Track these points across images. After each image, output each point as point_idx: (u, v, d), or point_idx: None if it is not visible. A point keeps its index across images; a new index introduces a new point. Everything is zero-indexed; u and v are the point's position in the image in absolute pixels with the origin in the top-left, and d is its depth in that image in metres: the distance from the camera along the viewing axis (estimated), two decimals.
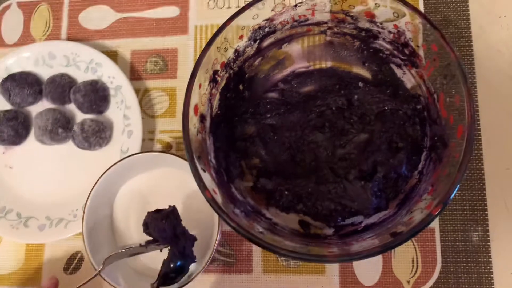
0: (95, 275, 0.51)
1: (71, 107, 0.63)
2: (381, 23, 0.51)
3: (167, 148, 0.62)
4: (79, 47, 0.62)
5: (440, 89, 0.48)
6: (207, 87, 0.50)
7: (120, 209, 0.57)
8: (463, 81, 0.43)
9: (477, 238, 0.54)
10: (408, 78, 0.55)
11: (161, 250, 0.51)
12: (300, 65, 0.59)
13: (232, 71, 0.54)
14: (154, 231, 0.50)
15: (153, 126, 0.62)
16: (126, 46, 0.65)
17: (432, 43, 0.47)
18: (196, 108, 0.48)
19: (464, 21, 0.61)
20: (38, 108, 0.63)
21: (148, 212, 0.50)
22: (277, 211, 0.55)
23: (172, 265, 0.50)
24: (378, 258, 0.55)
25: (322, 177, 0.52)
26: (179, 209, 0.52)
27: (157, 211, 0.50)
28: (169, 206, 0.51)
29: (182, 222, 0.51)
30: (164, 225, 0.49)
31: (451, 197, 0.41)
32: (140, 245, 0.51)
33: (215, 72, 0.51)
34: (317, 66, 0.59)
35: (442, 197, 0.42)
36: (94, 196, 0.53)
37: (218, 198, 0.46)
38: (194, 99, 0.48)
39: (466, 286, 0.53)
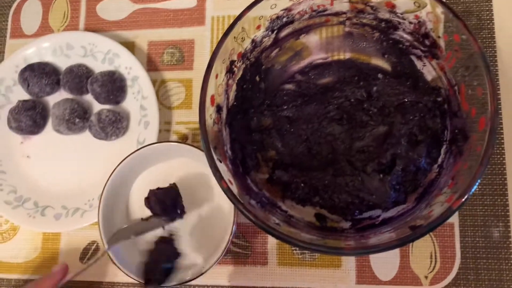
0: (103, 254, 0.51)
1: (88, 97, 0.63)
2: (401, 14, 0.50)
3: (183, 139, 0.62)
4: (97, 37, 0.63)
5: (461, 81, 0.47)
6: (223, 78, 0.50)
7: (136, 199, 0.57)
8: (486, 72, 0.42)
9: (498, 234, 0.53)
10: (428, 70, 0.53)
11: (163, 228, 0.52)
12: (317, 57, 0.58)
13: (249, 62, 0.54)
14: (155, 203, 0.51)
15: (169, 117, 0.62)
16: (143, 37, 0.65)
17: (454, 34, 0.46)
18: (212, 99, 0.48)
19: (487, 12, 0.59)
20: (56, 98, 0.64)
21: (150, 190, 0.51)
22: (292, 204, 0.54)
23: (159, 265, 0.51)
24: (396, 253, 0.54)
25: (340, 170, 0.51)
26: (195, 200, 0.52)
27: (159, 188, 0.52)
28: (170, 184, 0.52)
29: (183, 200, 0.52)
30: (164, 197, 0.51)
31: (472, 191, 0.40)
32: (142, 219, 0.52)
33: (232, 63, 0.51)
34: (335, 58, 0.58)
35: (463, 190, 0.41)
36: (110, 186, 0.53)
37: (234, 188, 0.46)
38: (211, 90, 0.47)
39: (486, 282, 0.52)
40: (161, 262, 0.51)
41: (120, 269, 0.51)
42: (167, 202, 0.51)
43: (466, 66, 0.46)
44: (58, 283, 0.53)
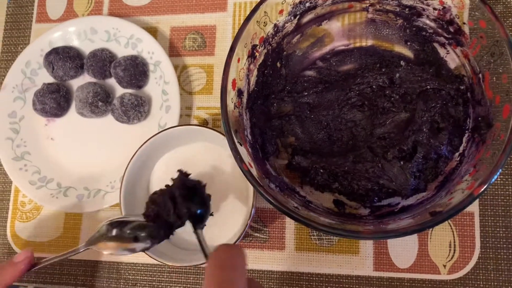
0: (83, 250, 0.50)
1: (111, 81, 0.64)
2: (426, 0, 0.50)
3: (203, 124, 0.62)
4: (120, 22, 0.63)
5: (486, 68, 0.47)
6: (245, 62, 0.50)
7: (157, 182, 0.58)
8: None
9: None
10: (451, 58, 0.53)
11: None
12: (339, 43, 0.58)
13: (270, 47, 0.54)
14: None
15: (190, 102, 0.63)
16: (165, 22, 0.66)
17: (479, 20, 0.46)
18: (234, 82, 0.48)
19: None
20: (79, 81, 0.65)
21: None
22: (311, 189, 0.54)
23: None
24: (414, 241, 0.54)
25: (360, 156, 0.51)
26: (214, 183, 0.52)
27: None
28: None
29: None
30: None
31: (494, 178, 0.40)
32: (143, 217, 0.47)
33: (254, 47, 0.51)
34: (357, 45, 0.58)
35: (484, 177, 0.41)
36: (132, 168, 0.54)
37: (254, 171, 0.46)
38: (233, 73, 0.48)
39: (506, 273, 0.52)
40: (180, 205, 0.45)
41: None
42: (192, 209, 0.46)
43: (491, 53, 0.45)
44: (21, 275, 0.48)
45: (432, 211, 0.43)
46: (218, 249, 0.34)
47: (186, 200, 0.46)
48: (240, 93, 0.50)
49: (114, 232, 0.47)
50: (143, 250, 0.48)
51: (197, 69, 0.64)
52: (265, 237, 0.58)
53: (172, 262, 0.52)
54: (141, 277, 0.59)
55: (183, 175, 0.46)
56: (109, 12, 0.68)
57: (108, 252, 0.48)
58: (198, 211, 0.47)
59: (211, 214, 0.48)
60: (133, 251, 0.47)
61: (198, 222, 0.47)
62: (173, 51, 0.65)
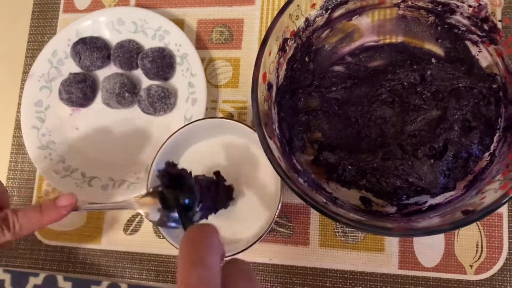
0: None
1: (138, 72, 0.64)
2: None
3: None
4: (148, 14, 0.63)
5: None
6: (276, 56, 0.50)
7: None
8: None
9: None
10: (483, 56, 0.52)
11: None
12: (369, 39, 0.58)
13: (300, 41, 0.54)
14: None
15: (216, 96, 0.63)
16: (193, 14, 0.66)
17: None
18: (264, 76, 0.48)
19: None
20: (106, 72, 0.65)
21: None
22: (337, 186, 0.54)
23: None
24: (440, 240, 0.54)
25: (389, 153, 0.51)
26: (241, 177, 0.52)
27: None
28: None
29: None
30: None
31: None
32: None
33: (285, 41, 0.51)
34: (387, 41, 0.57)
35: None
36: (159, 160, 0.54)
37: (283, 165, 0.46)
38: (264, 66, 0.47)
39: None
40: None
41: (167, 240, 0.52)
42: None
43: None
44: (61, 219, 0.48)
45: (464, 210, 0.43)
46: (192, 227, 0.34)
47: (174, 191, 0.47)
48: (270, 86, 0.50)
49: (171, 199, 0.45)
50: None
51: (224, 62, 0.63)
52: (289, 232, 0.57)
53: None
54: (164, 268, 0.60)
55: (169, 165, 0.46)
56: (137, 3, 0.68)
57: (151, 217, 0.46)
58: (186, 201, 0.47)
59: (231, 200, 0.51)
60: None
61: (187, 212, 0.47)
62: (199, 44, 0.65)
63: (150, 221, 0.47)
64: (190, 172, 0.47)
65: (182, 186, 0.47)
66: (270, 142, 0.46)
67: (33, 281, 0.78)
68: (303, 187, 0.45)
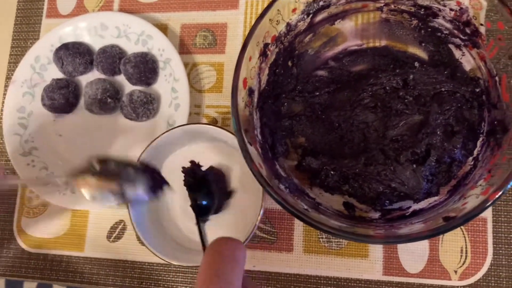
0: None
1: (121, 78, 0.64)
2: (442, 0, 0.49)
3: (212, 123, 0.61)
4: (131, 18, 0.63)
5: (503, 71, 0.46)
6: (257, 61, 0.50)
7: None
8: None
9: None
10: (467, 60, 0.52)
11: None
12: (352, 43, 0.57)
13: (282, 46, 0.53)
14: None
15: (199, 101, 0.62)
16: (176, 19, 0.65)
17: (498, 21, 0.44)
18: (245, 81, 0.48)
19: None
20: (89, 78, 0.64)
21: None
22: (320, 191, 0.54)
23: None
24: (425, 246, 0.53)
25: (372, 158, 0.50)
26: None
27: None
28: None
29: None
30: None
31: (511, 184, 0.39)
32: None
33: (266, 46, 0.50)
34: (371, 45, 0.57)
35: (500, 183, 0.40)
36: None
37: (264, 172, 0.45)
38: (244, 72, 0.47)
39: None
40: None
41: (146, 246, 0.51)
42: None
43: (510, 55, 0.44)
44: None
45: (445, 216, 0.42)
46: (218, 240, 0.33)
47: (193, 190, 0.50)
48: (251, 92, 0.50)
49: (98, 167, 0.43)
50: (128, 202, 0.44)
51: (207, 67, 0.63)
52: (273, 238, 0.57)
53: (178, 261, 0.51)
54: (147, 276, 0.59)
55: (195, 165, 0.50)
56: (120, 8, 0.67)
57: (88, 194, 0.43)
58: (204, 203, 0.47)
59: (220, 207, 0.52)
60: (116, 198, 0.43)
61: (203, 214, 0.48)
62: (183, 49, 0.64)
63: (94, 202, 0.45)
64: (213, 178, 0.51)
65: (202, 187, 0.50)
66: (250, 148, 0.45)
67: (27, 285, 0.77)
68: (284, 194, 0.45)
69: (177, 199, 0.57)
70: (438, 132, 0.49)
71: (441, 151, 0.49)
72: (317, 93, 0.56)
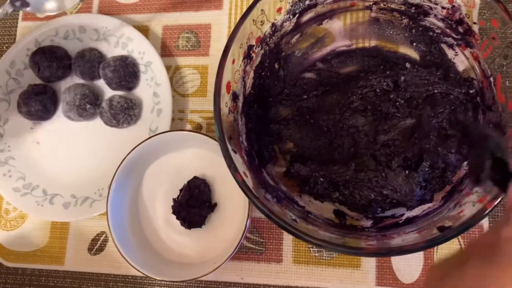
0: None
1: (100, 83, 0.61)
2: None
3: (197, 129, 0.59)
4: (110, 21, 0.60)
5: (498, 71, 0.44)
6: (240, 64, 0.47)
7: (147, 190, 0.55)
8: None
9: None
10: (460, 60, 0.50)
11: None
12: (341, 44, 0.55)
13: (267, 48, 0.51)
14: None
15: (183, 105, 0.60)
16: (157, 21, 0.62)
17: (491, 19, 0.42)
18: (228, 85, 0.45)
19: None
20: (67, 83, 0.62)
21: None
22: (310, 199, 0.51)
23: None
24: (419, 255, 0.51)
25: (362, 164, 0.48)
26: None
27: None
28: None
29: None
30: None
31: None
32: None
33: (250, 48, 0.48)
34: (360, 45, 0.55)
35: (498, 191, 0.38)
36: (120, 175, 0.51)
37: (249, 181, 0.43)
38: (227, 75, 0.45)
39: None
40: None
41: (127, 261, 0.49)
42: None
43: (505, 55, 0.42)
44: None
45: (440, 225, 0.40)
46: None
47: None
48: (235, 96, 0.47)
49: None
50: None
51: (191, 70, 0.60)
52: (261, 248, 0.54)
53: (161, 276, 0.49)
54: None
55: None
56: (99, 10, 0.65)
57: None
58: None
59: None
60: None
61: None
62: (165, 51, 0.61)
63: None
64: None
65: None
66: (235, 157, 0.43)
67: None
68: (270, 205, 0.42)
69: (160, 209, 0.54)
70: (431, 136, 0.47)
71: (435, 156, 0.47)
72: (305, 96, 0.54)
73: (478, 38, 0.45)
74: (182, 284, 0.55)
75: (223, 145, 0.42)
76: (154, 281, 0.56)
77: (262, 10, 0.46)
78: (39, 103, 0.59)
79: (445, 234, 0.38)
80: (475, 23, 0.45)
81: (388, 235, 0.45)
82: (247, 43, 0.47)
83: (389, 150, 0.48)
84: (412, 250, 0.38)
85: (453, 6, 0.45)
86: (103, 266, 0.58)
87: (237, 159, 0.43)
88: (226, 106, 0.45)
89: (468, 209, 0.40)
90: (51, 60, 0.59)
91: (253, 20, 0.46)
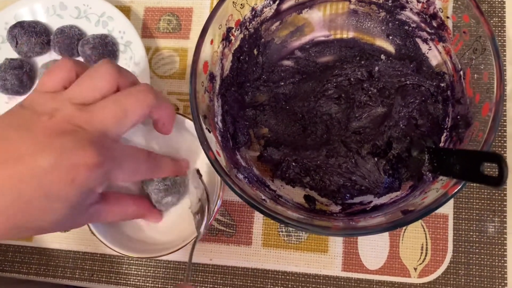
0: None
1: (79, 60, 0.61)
2: None
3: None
4: None
5: (467, 65, 0.45)
6: (219, 45, 0.48)
7: None
8: (495, 55, 0.40)
9: (493, 229, 0.51)
10: (433, 55, 0.51)
11: None
12: (320, 34, 0.56)
13: (247, 32, 0.52)
14: None
15: (161, 87, 0.60)
16: (140, 2, 0.63)
17: (463, 14, 0.44)
18: (206, 65, 0.46)
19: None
20: (45, 59, 0.61)
21: None
22: (282, 184, 0.52)
23: None
24: (385, 242, 0.52)
25: (333, 151, 0.49)
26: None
27: None
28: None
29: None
30: None
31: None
32: None
33: (229, 30, 0.48)
34: (338, 36, 0.56)
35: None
36: None
37: (222, 160, 0.43)
38: (205, 55, 0.45)
39: (477, 278, 0.50)
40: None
41: (97, 237, 0.49)
42: None
43: (474, 49, 0.43)
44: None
45: (404, 209, 0.42)
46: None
47: None
48: (212, 77, 0.48)
49: None
50: None
51: (171, 52, 0.61)
52: (231, 231, 0.55)
53: (129, 252, 0.49)
54: (99, 268, 0.56)
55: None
56: None
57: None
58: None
59: None
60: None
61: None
62: (146, 32, 0.62)
63: None
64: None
65: None
66: (209, 136, 0.43)
67: None
68: (241, 184, 0.43)
69: (132, 187, 0.54)
70: (401, 125, 0.48)
71: (403, 145, 0.48)
72: (282, 83, 0.55)
73: (451, 33, 0.47)
74: (151, 263, 0.55)
75: (197, 123, 0.43)
76: (122, 260, 0.56)
77: None
78: (15, 77, 0.58)
79: (408, 217, 0.39)
80: (448, 17, 0.46)
81: (355, 219, 0.46)
82: (226, 24, 0.47)
83: (360, 137, 0.49)
84: (376, 230, 0.39)
85: (428, 0, 0.47)
86: (71, 244, 0.57)
87: (211, 138, 0.44)
88: (203, 86, 0.46)
89: (432, 195, 0.41)
90: (30, 35, 0.59)
91: (233, 2, 0.46)
